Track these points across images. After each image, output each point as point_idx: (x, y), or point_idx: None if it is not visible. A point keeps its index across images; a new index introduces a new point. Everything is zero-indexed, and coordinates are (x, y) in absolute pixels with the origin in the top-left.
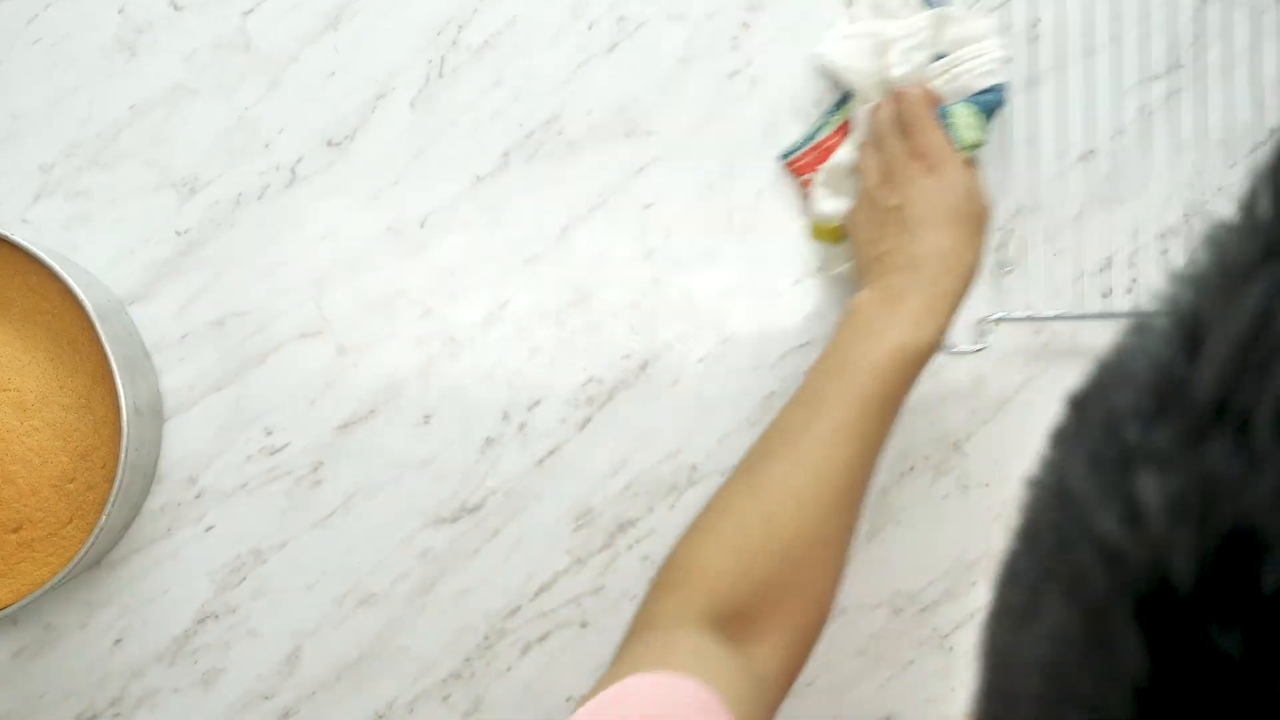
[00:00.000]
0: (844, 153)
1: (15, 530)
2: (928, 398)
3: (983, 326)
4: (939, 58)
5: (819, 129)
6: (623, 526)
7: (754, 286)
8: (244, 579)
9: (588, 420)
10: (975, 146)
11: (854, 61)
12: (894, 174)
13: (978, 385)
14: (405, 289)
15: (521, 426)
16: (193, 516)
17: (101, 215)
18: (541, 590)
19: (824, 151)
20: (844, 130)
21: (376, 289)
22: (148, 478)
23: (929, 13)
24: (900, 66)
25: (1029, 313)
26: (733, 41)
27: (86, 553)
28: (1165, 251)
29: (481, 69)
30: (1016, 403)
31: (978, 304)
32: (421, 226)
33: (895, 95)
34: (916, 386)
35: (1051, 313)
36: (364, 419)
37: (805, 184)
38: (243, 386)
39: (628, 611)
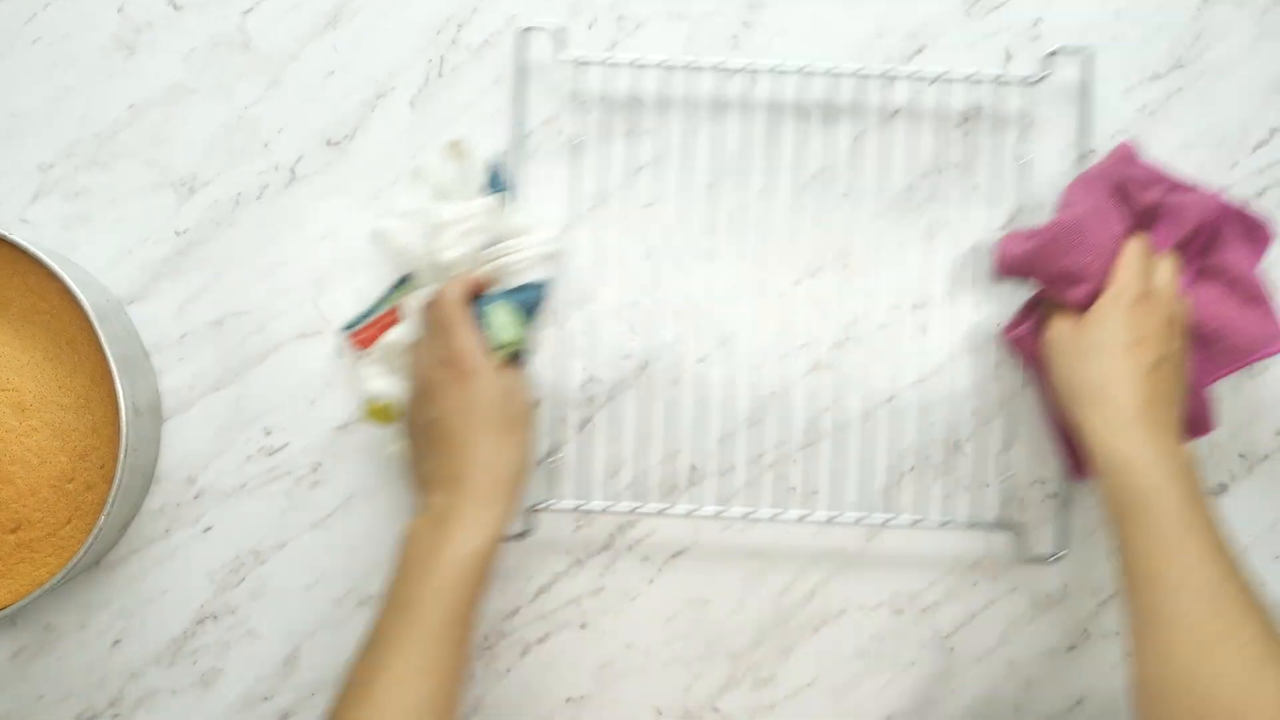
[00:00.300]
0: (397, 333)
1: (14, 530)
2: (929, 398)
3: (529, 514)
4: (495, 244)
5: (379, 304)
6: (622, 527)
7: (754, 286)
8: (243, 579)
9: (588, 420)
10: (513, 345)
11: (409, 242)
12: (429, 385)
13: (979, 386)
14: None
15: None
16: (191, 517)
17: (100, 215)
18: (541, 591)
19: (382, 327)
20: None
21: (375, 289)
22: (147, 478)
23: (483, 199)
24: (452, 251)
25: (577, 503)
26: (733, 40)
27: (85, 553)
28: None
29: (481, 68)
30: (1017, 403)
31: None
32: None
33: (429, 299)
34: (923, 384)
35: (600, 505)
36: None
37: (363, 358)
38: (242, 386)
39: (627, 612)
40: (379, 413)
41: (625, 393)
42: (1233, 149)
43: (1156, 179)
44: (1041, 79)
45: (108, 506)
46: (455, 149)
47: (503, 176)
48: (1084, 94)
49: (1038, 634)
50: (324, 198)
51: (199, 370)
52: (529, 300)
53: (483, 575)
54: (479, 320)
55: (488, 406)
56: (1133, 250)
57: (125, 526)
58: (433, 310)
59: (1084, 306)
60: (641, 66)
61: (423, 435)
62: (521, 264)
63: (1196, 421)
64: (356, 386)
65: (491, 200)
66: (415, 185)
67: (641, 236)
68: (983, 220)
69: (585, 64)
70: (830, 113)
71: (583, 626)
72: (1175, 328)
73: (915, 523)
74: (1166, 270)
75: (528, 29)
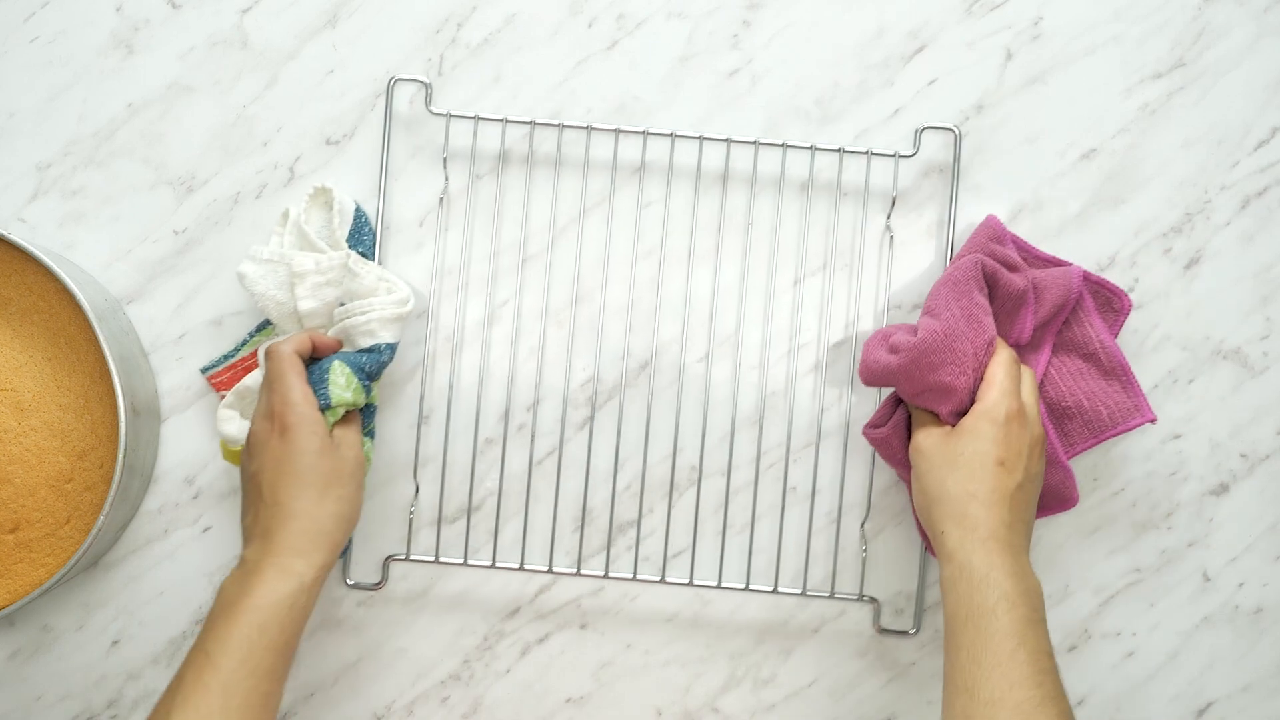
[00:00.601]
0: (253, 378)
1: (12, 531)
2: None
3: (386, 563)
4: (349, 302)
5: (240, 347)
6: (622, 527)
7: (754, 286)
8: None
9: (588, 420)
10: (347, 406)
11: (268, 289)
12: (252, 438)
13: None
14: (412, 280)
15: (521, 427)
16: (190, 517)
17: (98, 214)
18: (541, 591)
19: (242, 371)
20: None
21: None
22: (145, 478)
23: (341, 252)
24: (307, 301)
25: (427, 556)
26: (734, 39)
27: (84, 553)
28: (1168, 251)
29: (481, 66)
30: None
31: (388, 543)
32: (420, 225)
33: (266, 351)
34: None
35: (452, 559)
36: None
37: (221, 401)
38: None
39: (627, 613)
40: (234, 456)
41: (625, 392)
42: (1234, 148)
43: (1022, 254)
44: (914, 154)
45: (106, 507)
46: (321, 196)
47: (368, 228)
48: (953, 172)
49: None
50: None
51: (197, 370)
52: (371, 363)
53: (287, 623)
54: (319, 378)
55: (303, 461)
56: (1002, 365)
57: (124, 527)
58: (266, 363)
59: (952, 416)
60: (511, 123)
61: (246, 487)
62: (370, 325)
63: (1060, 496)
64: (216, 428)
65: (350, 254)
66: (280, 230)
67: (642, 236)
68: (844, 296)
69: (454, 118)
70: (712, 179)
71: (582, 627)
72: (1038, 450)
73: (773, 590)
74: (1030, 387)
75: (396, 80)
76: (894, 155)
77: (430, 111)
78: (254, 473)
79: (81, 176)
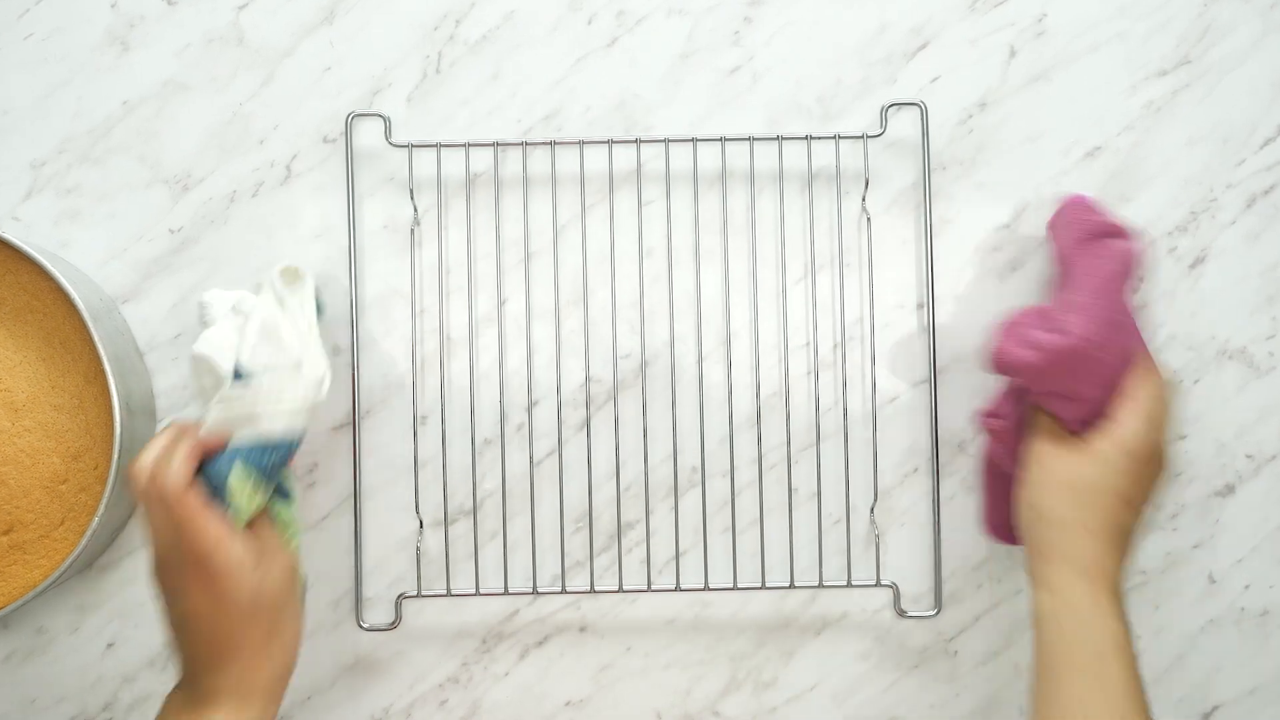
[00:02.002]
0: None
1: (6, 532)
2: (931, 400)
3: (399, 602)
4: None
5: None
6: (623, 527)
7: (754, 286)
8: None
9: (588, 420)
10: (253, 514)
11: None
12: (172, 579)
13: (983, 388)
14: (401, 287)
15: (521, 426)
16: None
17: (93, 212)
18: (539, 594)
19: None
20: None
21: (373, 288)
22: None
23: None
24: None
25: (439, 590)
26: (735, 36)
27: (78, 555)
28: (1173, 250)
29: (479, 64)
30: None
31: (397, 582)
32: (418, 224)
33: (149, 477)
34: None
35: (461, 590)
36: (361, 419)
37: None
38: None
39: (627, 614)
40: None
41: (625, 392)
42: (1239, 146)
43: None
44: (880, 134)
45: (101, 508)
46: (290, 274)
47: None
48: (923, 146)
49: None
50: (320, 195)
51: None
52: (272, 462)
53: None
54: (214, 488)
55: (243, 605)
56: (1151, 390)
57: (119, 529)
58: (158, 500)
59: (1076, 424)
60: (476, 146)
61: (174, 625)
62: (275, 415)
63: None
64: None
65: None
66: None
67: (642, 235)
68: (829, 286)
69: (417, 148)
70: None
71: (582, 629)
72: (1163, 491)
73: (790, 586)
74: (1172, 419)
75: (355, 115)
76: (862, 136)
77: (390, 144)
78: (183, 617)
79: (76, 174)
